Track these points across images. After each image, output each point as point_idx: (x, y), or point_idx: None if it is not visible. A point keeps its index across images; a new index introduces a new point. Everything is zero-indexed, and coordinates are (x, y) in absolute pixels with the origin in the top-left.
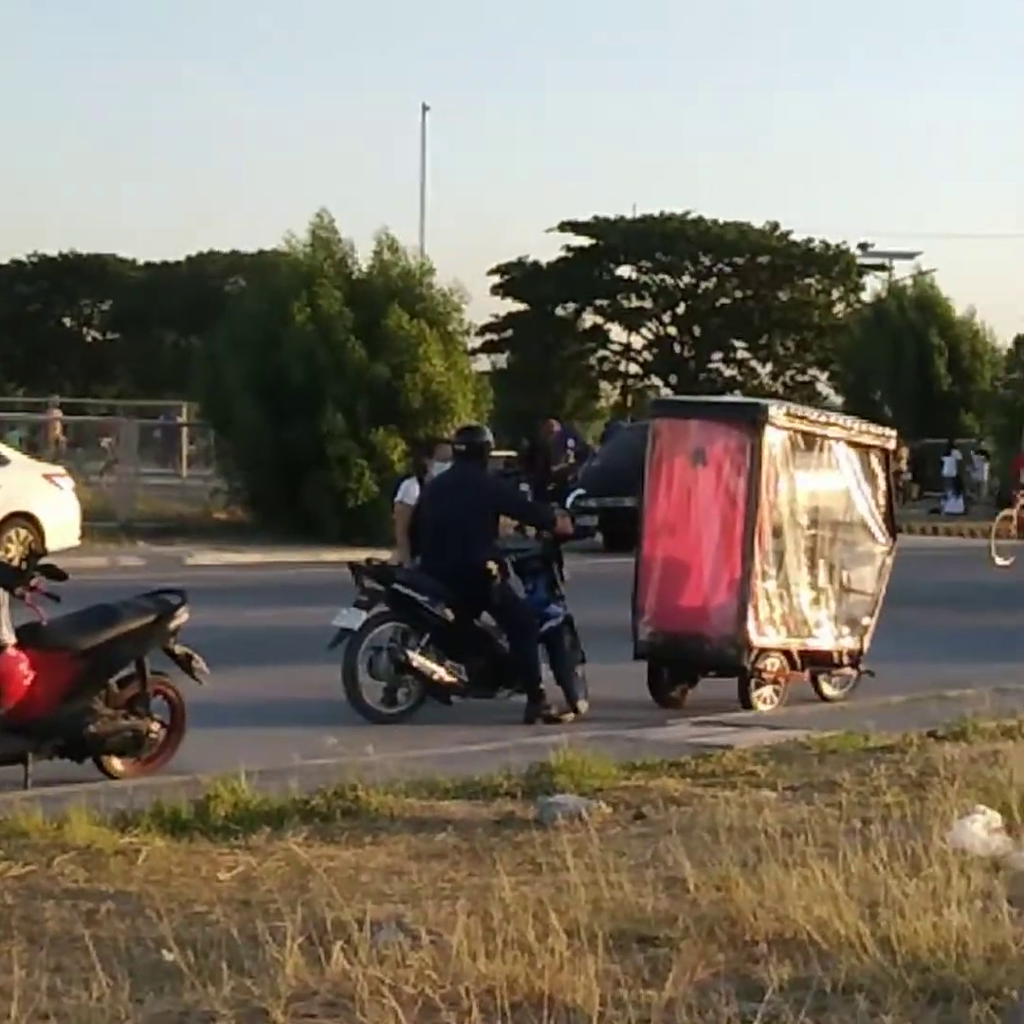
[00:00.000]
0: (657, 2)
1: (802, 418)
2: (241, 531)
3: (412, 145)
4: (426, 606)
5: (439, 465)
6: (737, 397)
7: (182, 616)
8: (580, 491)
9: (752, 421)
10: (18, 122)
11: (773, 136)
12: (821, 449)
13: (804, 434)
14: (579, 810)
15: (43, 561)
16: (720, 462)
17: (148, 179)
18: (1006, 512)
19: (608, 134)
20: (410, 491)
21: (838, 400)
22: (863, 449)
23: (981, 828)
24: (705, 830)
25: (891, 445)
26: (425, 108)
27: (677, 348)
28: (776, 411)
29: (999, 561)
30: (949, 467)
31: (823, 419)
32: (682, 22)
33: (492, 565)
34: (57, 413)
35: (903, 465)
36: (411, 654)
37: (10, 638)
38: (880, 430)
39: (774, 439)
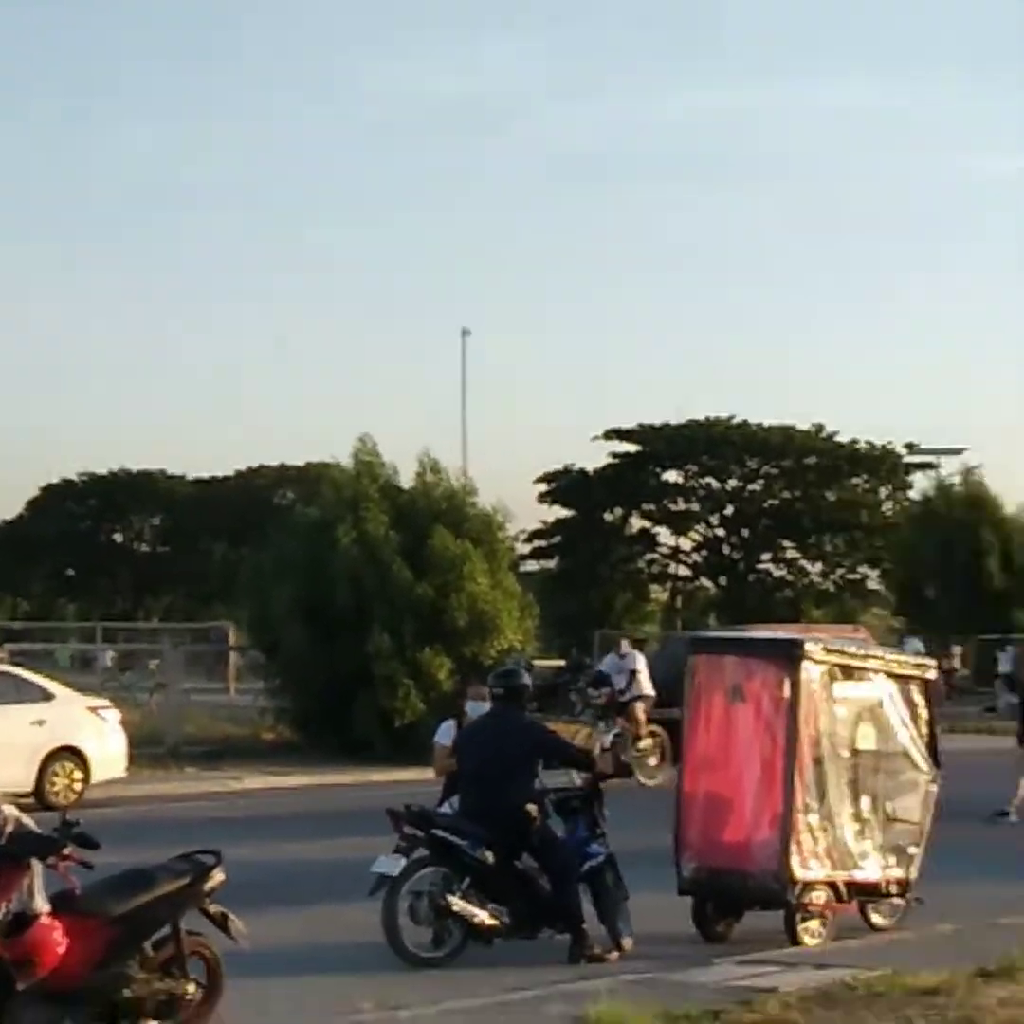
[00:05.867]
0: (692, 209)
1: (840, 652)
2: (289, 751)
3: (453, 366)
4: (466, 850)
5: (473, 704)
6: (773, 633)
7: (217, 877)
8: None
9: (789, 657)
10: (68, 348)
11: (815, 339)
12: (860, 682)
13: (842, 667)
14: None
15: (76, 830)
16: (758, 698)
17: (195, 398)
18: None
19: (652, 341)
20: (448, 732)
21: (890, 597)
22: (903, 680)
23: None
24: None
25: (931, 675)
26: (465, 332)
27: (726, 549)
28: (813, 646)
29: None
30: (1003, 663)
31: (862, 652)
32: (716, 230)
33: (532, 808)
34: None
35: (956, 662)
36: (451, 899)
37: (44, 906)
38: (919, 661)
39: (812, 674)
